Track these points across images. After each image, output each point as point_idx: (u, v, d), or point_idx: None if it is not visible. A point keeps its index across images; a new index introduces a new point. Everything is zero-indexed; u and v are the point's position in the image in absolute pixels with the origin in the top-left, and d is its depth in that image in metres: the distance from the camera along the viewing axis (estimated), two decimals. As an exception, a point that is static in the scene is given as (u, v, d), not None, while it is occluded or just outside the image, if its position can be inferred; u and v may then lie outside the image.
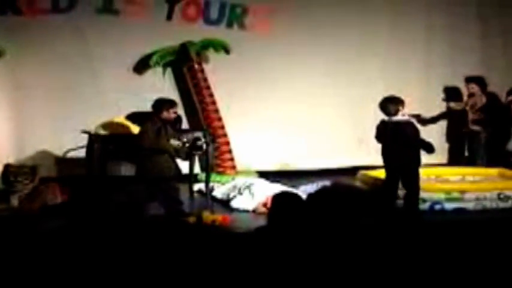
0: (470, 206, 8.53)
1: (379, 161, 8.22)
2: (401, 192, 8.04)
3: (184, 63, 10.52)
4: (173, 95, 10.52)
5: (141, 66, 10.51)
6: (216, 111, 10.40)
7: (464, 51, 11.75)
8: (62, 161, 10.05)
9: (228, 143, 10.35)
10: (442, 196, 8.53)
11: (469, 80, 10.76)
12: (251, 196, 8.74)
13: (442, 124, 11.38)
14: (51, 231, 5.92)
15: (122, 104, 10.08)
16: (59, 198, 8.73)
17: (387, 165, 8.04)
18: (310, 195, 4.47)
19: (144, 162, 7.92)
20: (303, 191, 8.12)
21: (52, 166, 10.06)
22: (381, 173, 8.32)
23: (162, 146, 7.83)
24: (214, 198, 9.17)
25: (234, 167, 10.35)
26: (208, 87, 10.43)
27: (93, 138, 9.22)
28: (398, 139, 7.80)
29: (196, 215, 7.87)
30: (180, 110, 10.35)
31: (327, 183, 8.41)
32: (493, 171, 9.71)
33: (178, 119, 9.93)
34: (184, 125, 10.24)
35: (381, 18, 11.41)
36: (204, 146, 8.52)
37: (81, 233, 5.67)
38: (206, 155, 9.25)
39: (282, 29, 10.90)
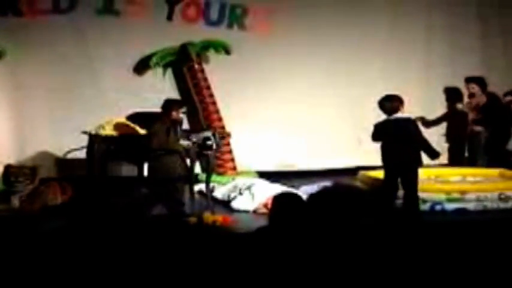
0: (470, 206, 8.52)
1: (379, 161, 8.22)
2: (401, 192, 8.03)
3: (185, 64, 10.53)
4: (173, 95, 10.54)
5: (142, 66, 10.52)
6: (217, 111, 10.41)
7: (464, 51, 11.75)
8: (62, 162, 10.05)
9: (228, 144, 10.35)
10: (443, 197, 8.52)
11: (469, 80, 10.76)
12: (251, 197, 8.73)
13: (443, 125, 11.38)
14: (52, 232, 5.93)
15: (122, 104, 10.08)
16: (59, 199, 8.73)
17: (386, 164, 8.02)
18: (310, 196, 4.47)
19: (153, 163, 7.91)
20: (304, 191, 8.11)
21: (52, 167, 10.06)
22: (381, 174, 8.31)
23: (172, 146, 7.83)
24: (214, 199, 9.16)
25: (234, 168, 10.35)
26: (208, 88, 10.44)
27: (93, 138, 9.22)
28: (399, 137, 7.78)
29: (197, 216, 7.86)
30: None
31: (327, 183, 8.40)
32: (494, 171, 9.70)
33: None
34: (185, 125, 10.23)
35: (380, 19, 11.42)
36: (214, 146, 8.51)
37: (82, 234, 5.68)
38: (207, 156, 9.24)
39: (282, 29, 10.90)
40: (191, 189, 9.31)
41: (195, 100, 10.52)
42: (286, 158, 10.94)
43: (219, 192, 9.22)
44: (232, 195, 8.93)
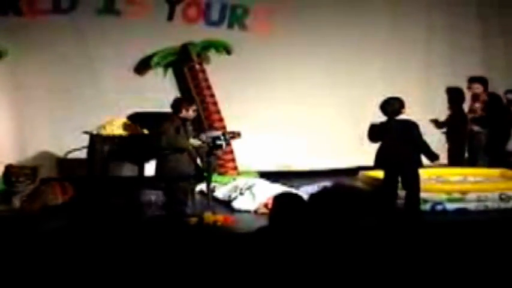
0: (471, 206, 8.52)
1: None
2: (401, 192, 8.03)
3: (185, 64, 10.53)
4: (174, 95, 10.53)
5: (142, 66, 10.52)
6: (218, 111, 10.41)
7: (464, 51, 11.76)
8: (63, 162, 10.06)
9: (229, 144, 10.35)
10: (444, 197, 8.52)
11: (473, 80, 10.73)
12: (252, 197, 8.74)
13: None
14: (52, 232, 5.93)
15: (123, 104, 10.08)
16: (60, 199, 8.73)
17: (386, 165, 8.02)
18: (311, 196, 4.46)
19: (161, 162, 7.90)
20: (304, 191, 8.11)
21: (53, 167, 10.07)
22: (382, 174, 8.32)
23: (181, 145, 7.82)
24: (215, 199, 9.16)
25: (235, 168, 10.36)
26: (209, 88, 10.44)
27: (94, 138, 9.23)
28: (402, 139, 7.78)
29: (198, 216, 7.86)
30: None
31: (327, 183, 8.39)
32: (495, 171, 9.70)
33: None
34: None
35: (381, 19, 11.43)
36: (224, 145, 8.51)
37: (83, 234, 5.68)
38: (208, 156, 9.24)
39: (282, 29, 10.91)
40: (192, 189, 9.32)
41: (196, 100, 10.52)
42: (287, 158, 10.95)
43: (220, 192, 9.22)
44: (233, 195, 8.93)
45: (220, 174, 10.12)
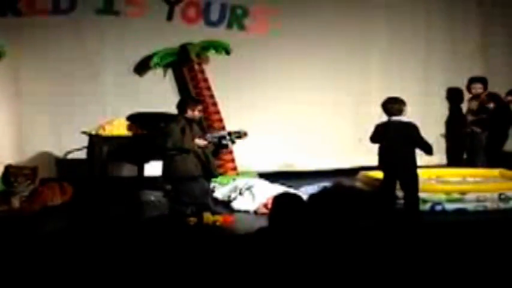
0: (471, 206, 8.51)
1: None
2: (400, 193, 8.02)
3: (185, 64, 10.53)
4: (173, 95, 10.54)
5: (142, 67, 10.51)
6: (217, 112, 10.40)
7: (464, 51, 11.77)
8: (62, 162, 10.05)
9: (235, 143, 10.32)
10: (443, 197, 8.51)
11: (473, 80, 10.73)
12: (252, 197, 8.73)
13: (441, 125, 11.38)
14: (52, 233, 5.93)
15: (122, 104, 10.08)
16: (59, 199, 8.73)
17: (385, 165, 8.02)
18: (311, 196, 4.47)
19: (168, 162, 7.90)
20: (304, 191, 8.11)
21: (52, 167, 10.06)
22: (381, 174, 8.31)
23: (187, 146, 7.82)
24: (215, 199, 9.16)
25: (234, 168, 10.35)
26: (208, 88, 10.43)
27: (93, 139, 9.22)
28: (399, 140, 7.78)
29: (198, 216, 7.86)
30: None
31: (327, 183, 8.40)
32: (494, 171, 9.71)
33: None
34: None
35: (380, 19, 11.44)
36: (230, 145, 8.50)
37: (82, 234, 5.68)
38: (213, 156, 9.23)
39: (281, 30, 10.91)
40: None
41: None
42: (287, 158, 10.95)
43: (220, 193, 9.22)
44: (233, 195, 8.93)
45: (220, 174, 10.10)
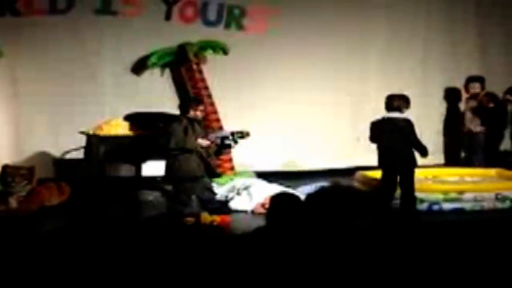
0: (468, 206, 8.53)
1: (376, 161, 8.22)
2: (397, 192, 8.03)
3: (183, 64, 10.52)
4: (171, 95, 10.55)
5: (139, 66, 10.51)
6: (215, 111, 10.40)
7: (462, 51, 11.77)
8: (60, 162, 10.05)
9: (237, 143, 10.32)
10: (440, 197, 8.52)
11: (472, 79, 10.73)
12: (249, 197, 8.74)
13: (439, 124, 11.39)
14: (50, 233, 5.93)
15: (120, 104, 10.08)
16: (56, 199, 8.72)
17: (384, 164, 8.03)
18: (308, 196, 4.47)
19: (171, 162, 7.90)
20: (301, 191, 8.11)
21: (50, 167, 10.05)
22: (379, 174, 8.33)
23: (190, 146, 7.82)
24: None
25: (232, 168, 10.35)
26: (206, 88, 10.43)
27: (91, 139, 9.22)
28: (398, 137, 7.78)
29: (195, 216, 7.87)
30: (178, 111, 10.36)
31: (325, 183, 8.40)
32: (492, 171, 9.72)
33: (176, 119, 9.93)
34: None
35: (379, 19, 11.43)
36: (233, 145, 8.51)
37: (80, 234, 5.68)
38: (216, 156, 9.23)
39: (279, 30, 10.91)
40: (210, 188, 9.29)
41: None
42: (284, 158, 10.95)
43: (217, 193, 9.22)
44: (230, 195, 8.93)
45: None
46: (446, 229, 7.27)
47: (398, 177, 7.94)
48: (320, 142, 11.00)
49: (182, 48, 10.44)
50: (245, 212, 8.61)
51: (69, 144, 9.79)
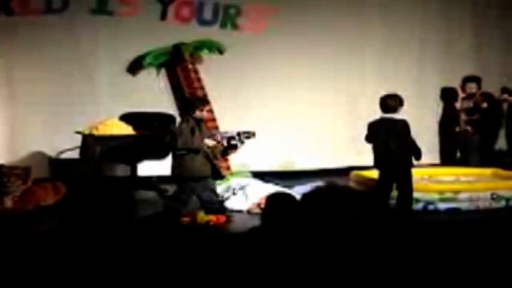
0: (463, 206, 8.53)
1: (372, 161, 8.22)
2: (393, 192, 8.04)
3: (178, 64, 10.52)
4: (167, 95, 10.55)
5: (135, 66, 10.51)
6: (210, 111, 10.39)
7: (458, 51, 11.79)
8: (55, 162, 10.03)
9: (243, 144, 10.31)
10: (436, 196, 8.53)
11: (467, 79, 10.74)
12: (245, 197, 8.74)
13: (435, 124, 11.40)
14: (45, 232, 5.92)
15: (116, 104, 10.08)
16: (52, 199, 8.71)
17: (380, 165, 8.03)
18: (304, 196, 4.47)
19: (177, 162, 7.89)
20: (297, 191, 8.11)
21: (45, 167, 10.04)
22: (374, 173, 8.33)
23: (197, 146, 7.82)
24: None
25: (228, 168, 10.35)
26: (202, 88, 10.43)
27: (86, 138, 9.21)
28: (394, 138, 7.79)
29: (191, 216, 7.86)
30: (174, 111, 10.36)
31: (320, 183, 8.41)
32: (487, 171, 9.73)
33: (172, 119, 9.94)
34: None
35: (375, 19, 11.45)
36: (239, 145, 8.50)
37: (75, 234, 5.67)
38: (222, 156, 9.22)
39: (275, 29, 10.91)
40: (213, 189, 9.28)
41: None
42: (280, 158, 10.96)
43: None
44: (226, 195, 8.92)
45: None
46: (442, 229, 7.28)
47: (394, 178, 7.95)
48: (316, 142, 11.01)
49: (177, 48, 10.43)
50: (241, 211, 8.60)
51: (65, 144, 9.78)
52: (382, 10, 11.45)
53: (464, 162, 10.48)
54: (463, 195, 8.57)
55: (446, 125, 10.95)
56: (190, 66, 10.45)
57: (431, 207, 8.49)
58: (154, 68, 10.52)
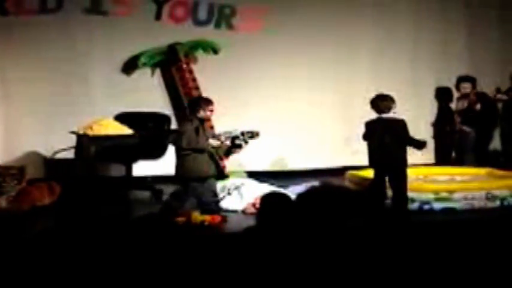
0: (458, 205, 8.54)
1: (367, 161, 8.23)
2: (389, 192, 8.04)
3: (173, 64, 10.51)
4: (162, 95, 10.54)
5: (130, 66, 10.50)
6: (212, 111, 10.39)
7: (452, 51, 11.80)
8: (50, 162, 10.01)
9: (247, 143, 10.29)
10: (431, 196, 8.53)
11: (462, 79, 10.74)
12: (240, 197, 8.74)
13: (429, 124, 11.40)
14: (40, 233, 5.90)
15: (110, 104, 10.07)
16: (47, 199, 8.69)
17: (376, 164, 8.03)
18: (299, 196, 4.47)
19: (182, 162, 7.88)
20: (292, 191, 8.11)
21: (40, 167, 10.02)
22: (370, 173, 8.33)
23: (201, 146, 7.81)
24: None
25: (224, 167, 10.33)
26: (197, 88, 10.42)
27: (81, 138, 9.20)
28: (390, 137, 7.79)
29: (186, 215, 7.85)
30: (169, 111, 10.36)
31: (316, 183, 8.41)
32: (482, 171, 9.74)
33: (167, 119, 9.93)
34: (173, 125, 10.21)
35: (369, 19, 11.45)
36: (243, 145, 8.50)
37: (70, 234, 5.66)
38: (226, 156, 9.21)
39: (270, 29, 10.91)
40: (213, 190, 9.26)
41: (184, 100, 10.49)
42: (276, 158, 10.95)
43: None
44: (221, 195, 8.92)
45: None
46: (437, 229, 7.29)
47: (387, 177, 7.95)
48: (310, 142, 11.01)
49: (172, 48, 10.43)
50: (236, 211, 8.60)
51: (60, 144, 9.75)
52: (377, 10, 11.45)
53: (459, 162, 10.49)
54: (458, 195, 8.57)
55: (442, 124, 10.95)
56: (185, 66, 10.45)
57: (426, 207, 8.50)
58: (149, 68, 10.51)
